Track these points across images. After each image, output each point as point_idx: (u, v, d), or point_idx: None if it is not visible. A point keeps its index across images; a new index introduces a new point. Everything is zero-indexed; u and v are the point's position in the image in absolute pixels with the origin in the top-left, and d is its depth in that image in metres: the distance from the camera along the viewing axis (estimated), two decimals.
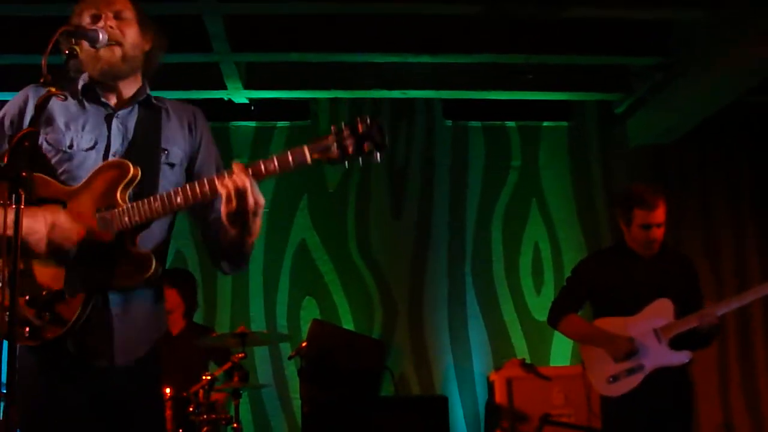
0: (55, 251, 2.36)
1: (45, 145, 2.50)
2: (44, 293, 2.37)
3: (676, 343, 4.31)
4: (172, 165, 2.60)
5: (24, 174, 2.02)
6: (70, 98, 2.55)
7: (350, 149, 2.27)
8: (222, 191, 2.30)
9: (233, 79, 6.06)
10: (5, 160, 2.05)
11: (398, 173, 6.81)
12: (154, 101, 2.66)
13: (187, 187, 2.36)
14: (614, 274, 4.48)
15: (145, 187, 2.47)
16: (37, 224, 2.33)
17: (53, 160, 2.49)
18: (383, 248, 6.72)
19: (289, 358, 5.58)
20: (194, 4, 5.04)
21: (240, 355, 4.80)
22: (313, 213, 6.69)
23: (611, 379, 4.33)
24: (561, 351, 6.51)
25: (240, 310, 6.51)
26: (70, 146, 2.50)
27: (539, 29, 5.63)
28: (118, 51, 2.53)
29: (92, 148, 2.51)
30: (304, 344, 5.44)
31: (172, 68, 5.65)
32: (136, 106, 2.62)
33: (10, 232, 2.01)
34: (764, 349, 6.69)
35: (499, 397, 5.84)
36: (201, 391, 4.67)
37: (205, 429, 4.65)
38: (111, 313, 2.44)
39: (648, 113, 6.43)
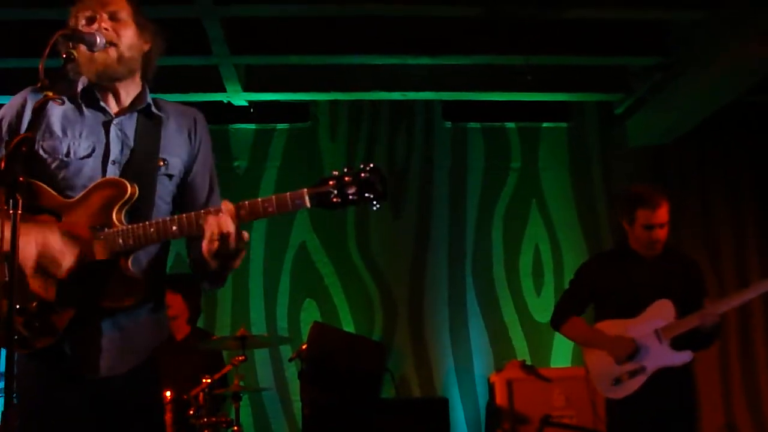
0: (42, 272, 2.36)
1: (42, 153, 2.47)
2: (34, 304, 2.36)
3: (677, 344, 4.31)
4: (170, 176, 2.58)
5: (21, 179, 2.01)
6: (67, 102, 2.53)
7: (351, 197, 2.24)
8: (206, 230, 2.29)
9: (232, 82, 6.06)
10: (2, 165, 2.04)
11: (398, 175, 6.80)
12: (155, 109, 2.62)
13: (184, 218, 2.35)
14: (616, 277, 4.47)
15: (142, 199, 2.45)
16: (29, 245, 2.32)
17: (50, 168, 2.47)
18: (383, 250, 6.72)
19: (290, 360, 5.57)
20: (193, 7, 5.04)
21: (240, 358, 4.80)
22: (313, 215, 6.68)
23: (614, 382, 4.33)
24: (561, 352, 6.51)
25: (240, 313, 6.51)
26: (67, 154, 2.48)
27: (538, 30, 5.63)
28: (113, 53, 2.50)
29: (89, 155, 2.49)
30: (304, 346, 5.44)
31: (172, 71, 5.64)
32: (136, 114, 2.59)
33: (5, 242, 2.00)
34: (765, 347, 6.68)
35: (500, 398, 5.83)
36: (201, 394, 4.67)
37: None
38: (102, 326, 2.43)
39: (647, 113, 6.42)
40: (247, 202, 2.32)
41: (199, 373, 4.78)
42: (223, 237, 2.27)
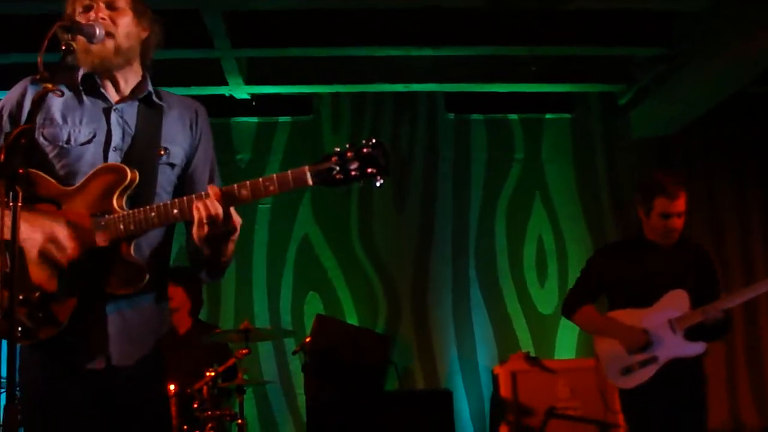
0: (46, 260, 2.35)
1: (42, 140, 2.47)
2: (37, 294, 2.35)
3: (691, 335, 4.27)
4: (172, 165, 2.57)
5: (21, 171, 2.00)
6: (67, 91, 2.52)
7: (354, 173, 2.20)
8: (195, 215, 2.28)
9: (234, 75, 6.04)
10: (1, 157, 2.03)
11: (401, 167, 6.78)
12: (155, 98, 2.61)
13: (185, 201, 2.33)
14: (629, 266, 4.42)
15: (143, 187, 2.44)
16: (35, 233, 2.32)
17: (51, 155, 2.46)
18: (386, 242, 6.71)
19: (293, 353, 5.58)
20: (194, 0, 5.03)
21: (244, 351, 4.79)
22: (315, 208, 6.68)
23: (624, 371, 4.30)
24: (566, 344, 6.50)
25: (244, 306, 6.51)
26: (68, 141, 2.47)
27: (541, 21, 5.60)
28: (110, 44, 2.48)
29: (90, 141, 2.48)
30: (308, 339, 5.45)
31: (173, 64, 5.63)
32: (137, 102, 2.58)
33: (6, 232, 1.99)
34: None
35: (504, 390, 5.82)
36: (205, 387, 4.67)
37: (210, 425, 4.65)
38: (106, 315, 2.42)
39: (651, 104, 6.39)
40: (248, 182, 2.30)
41: (202, 367, 4.78)
42: (212, 219, 2.26)
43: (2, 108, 2.53)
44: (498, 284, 6.70)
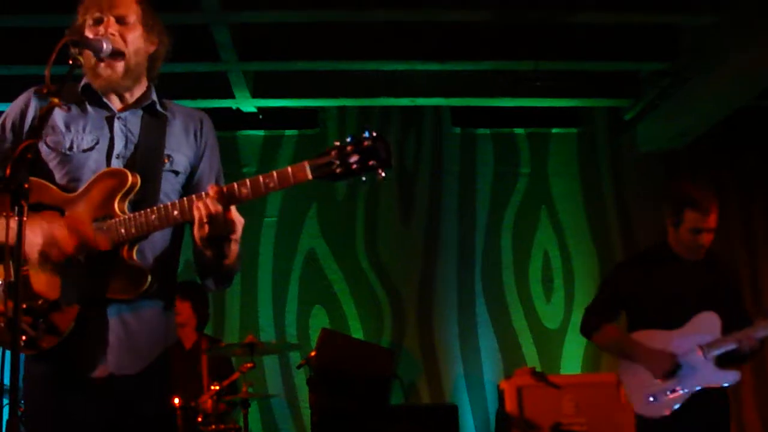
0: (46, 261, 2.35)
1: (45, 148, 2.46)
2: (40, 302, 2.35)
3: (721, 361, 3.97)
4: (176, 173, 2.56)
5: (26, 186, 2.00)
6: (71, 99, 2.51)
7: (354, 166, 2.15)
8: (195, 214, 2.26)
9: (241, 88, 6.06)
10: (7, 172, 2.03)
11: (407, 181, 6.80)
12: (159, 108, 2.60)
13: (185, 202, 2.32)
14: (654, 283, 4.11)
15: (146, 195, 2.43)
16: (36, 237, 2.32)
17: (54, 162, 2.46)
18: (392, 256, 6.70)
19: (298, 367, 5.56)
20: (201, 13, 5.04)
21: (248, 365, 4.78)
22: (321, 221, 6.68)
23: (651, 399, 3.99)
24: (572, 359, 6.48)
25: (249, 320, 6.50)
26: (71, 148, 2.47)
27: (547, 35, 5.61)
28: (119, 67, 2.48)
29: (92, 148, 2.47)
30: (313, 353, 5.42)
31: (180, 77, 5.66)
32: (141, 111, 2.58)
33: (11, 239, 2.00)
34: None
35: (510, 405, 5.80)
36: (210, 401, 4.65)
37: None
38: (108, 324, 2.40)
39: (657, 119, 6.39)
40: (248, 180, 2.28)
41: (207, 381, 4.77)
42: (212, 219, 2.24)
43: (5, 118, 2.54)
44: (504, 298, 6.68)
